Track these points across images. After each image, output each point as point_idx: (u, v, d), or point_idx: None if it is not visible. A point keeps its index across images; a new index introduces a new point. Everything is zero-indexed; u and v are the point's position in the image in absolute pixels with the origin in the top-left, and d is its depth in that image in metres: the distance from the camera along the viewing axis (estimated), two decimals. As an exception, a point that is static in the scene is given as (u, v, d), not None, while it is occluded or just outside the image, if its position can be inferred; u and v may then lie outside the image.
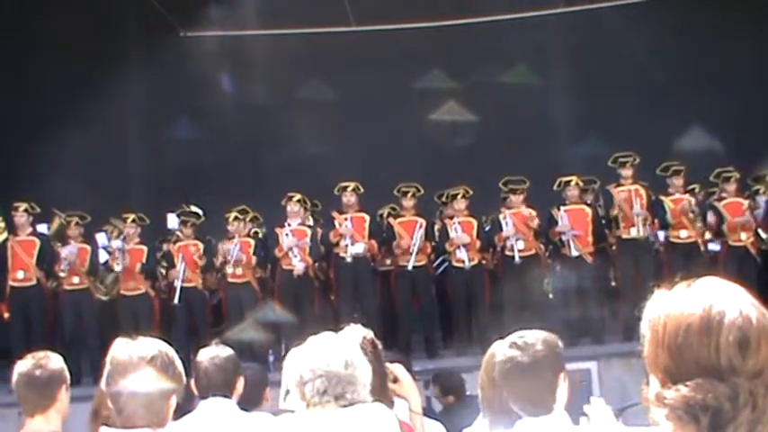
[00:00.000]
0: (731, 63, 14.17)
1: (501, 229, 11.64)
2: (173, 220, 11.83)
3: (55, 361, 3.78)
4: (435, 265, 12.06)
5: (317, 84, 15.02)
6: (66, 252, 11.58)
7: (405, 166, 13.44)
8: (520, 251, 11.48)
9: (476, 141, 15.26)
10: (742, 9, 14.00)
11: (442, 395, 7.23)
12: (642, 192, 11.63)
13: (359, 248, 11.52)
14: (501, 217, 11.64)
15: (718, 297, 1.50)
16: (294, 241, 11.46)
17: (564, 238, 11.52)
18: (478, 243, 11.67)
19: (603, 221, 11.94)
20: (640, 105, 14.62)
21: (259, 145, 14.68)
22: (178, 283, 11.51)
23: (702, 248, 11.68)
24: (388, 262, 12.07)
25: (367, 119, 14.74)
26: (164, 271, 12.12)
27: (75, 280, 11.64)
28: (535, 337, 3.22)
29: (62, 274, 11.50)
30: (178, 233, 12.03)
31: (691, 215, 11.43)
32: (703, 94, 14.00)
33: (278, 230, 11.67)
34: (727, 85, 14.03)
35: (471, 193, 11.84)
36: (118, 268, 11.61)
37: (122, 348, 2.81)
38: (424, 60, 15.40)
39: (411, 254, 11.51)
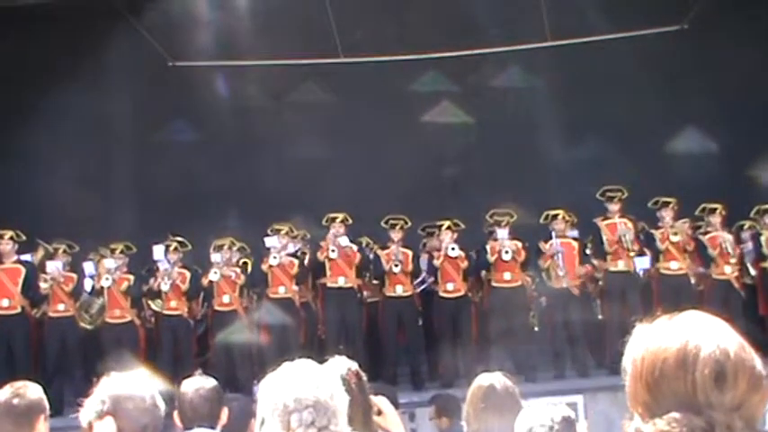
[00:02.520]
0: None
1: (486, 261, 11.66)
2: (159, 252, 11.81)
3: (33, 390, 3.71)
4: (417, 282, 12.04)
5: (307, 113, 15.05)
6: (51, 268, 11.57)
7: (390, 196, 13.45)
8: (506, 281, 11.53)
9: (462, 172, 15.32)
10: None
11: (437, 416, 7.25)
12: (630, 225, 11.68)
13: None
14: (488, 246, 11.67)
15: (696, 331, 1.51)
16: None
17: (556, 258, 11.51)
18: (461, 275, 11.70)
19: (590, 253, 11.98)
20: (632, 140, 14.73)
21: (247, 174, 14.68)
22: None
23: (693, 280, 11.73)
24: (365, 293, 12.11)
25: (354, 149, 14.79)
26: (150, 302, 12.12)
27: (61, 307, 11.61)
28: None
29: (44, 286, 11.45)
30: (161, 264, 11.99)
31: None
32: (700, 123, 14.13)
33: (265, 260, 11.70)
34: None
35: (461, 225, 11.86)
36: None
37: (108, 385, 2.82)
38: (412, 92, 15.49)
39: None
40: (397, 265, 11.64)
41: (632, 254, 11.55)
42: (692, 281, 11.74)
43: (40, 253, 12.23)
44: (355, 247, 11.79)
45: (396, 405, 3.87)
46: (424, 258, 12.21)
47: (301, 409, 2.69)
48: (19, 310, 11.51)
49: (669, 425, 1.45)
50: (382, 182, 14.30)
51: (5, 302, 11.48)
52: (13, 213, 12.18)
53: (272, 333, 11.53)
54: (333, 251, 11.59)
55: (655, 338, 1.53)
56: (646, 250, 11.80)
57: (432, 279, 11.92)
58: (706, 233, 11.84)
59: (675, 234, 11.49)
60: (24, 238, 11.80)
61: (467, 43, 14.58)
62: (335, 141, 14.79)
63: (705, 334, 1.50)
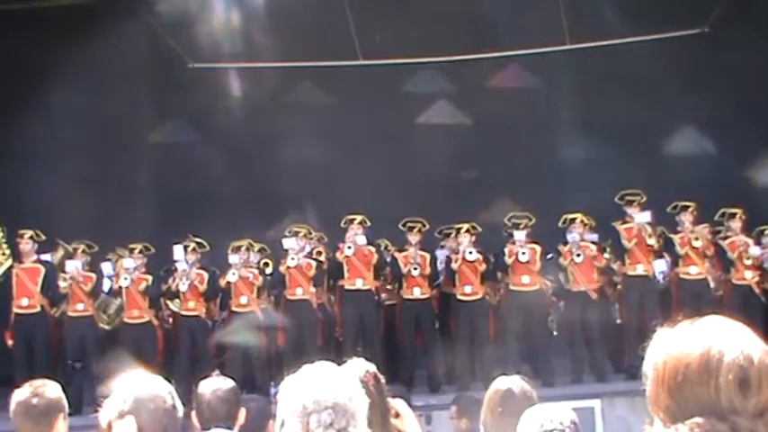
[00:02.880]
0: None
1: (505, 264, 11.65)
2: (178, 252, 11.85)
3: (53, 390, 3.74)
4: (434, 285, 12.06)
5: (324, 114, 15.07)
6: (70, 267, 11.63)
7: (406, 199, 13.45)
8: (524, 285, 11.51)
9: (481, 176, 15.32)
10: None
11: (458, 417, 7.23)
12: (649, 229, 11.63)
13: None
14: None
15: (719, 336, 1.50)
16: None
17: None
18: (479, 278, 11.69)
19: (610, 258, 11.95)
20: (651, 143, 14.68)
21: (266, 174, 14.71)
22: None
23: (712, 285, 11.68)
24: (384, 295, 12.12)
25: (371, 151, 14.81)
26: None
27: (80, 306, 11.67)
28: None
29: (63, 285, 11.51)
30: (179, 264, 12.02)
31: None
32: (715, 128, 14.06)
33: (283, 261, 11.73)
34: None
35: (478, 229, 11.85)
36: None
37: (125, 385, 2.83)
38: (432, 95, 15.51)
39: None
40: (415, 269, 11.64)
41: (651, 241, 11.43)
42: (712, 285, 11.68)
43: (60, 253, 12.29)
44: (373, 248, 11.80)
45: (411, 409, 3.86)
46: (442, 253, 12.13)
47: (320, 411, 2.69)
48: (38, 309, 11.58)
49: (692, 430, 1.44)
50: (400, 184, 14.31)
51: (25, 301, 11.55)
52: (33, 213, 12.24)
53: (287, 335, 11.55)
54: (349, 248, 11.60)
55: (677, 343, 1.52)
56: (664, 254, 11.76)
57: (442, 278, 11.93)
58: (725, 238, 11.78)
59: (696, 239, 11.43)
60: (44, 237, 11.87)
61: (486, 46, 14.57)
62: (352, 143, 14.79)
63: (728, 339, 1.49)
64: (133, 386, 2.90)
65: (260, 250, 12.28)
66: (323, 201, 13.34)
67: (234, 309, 11.76)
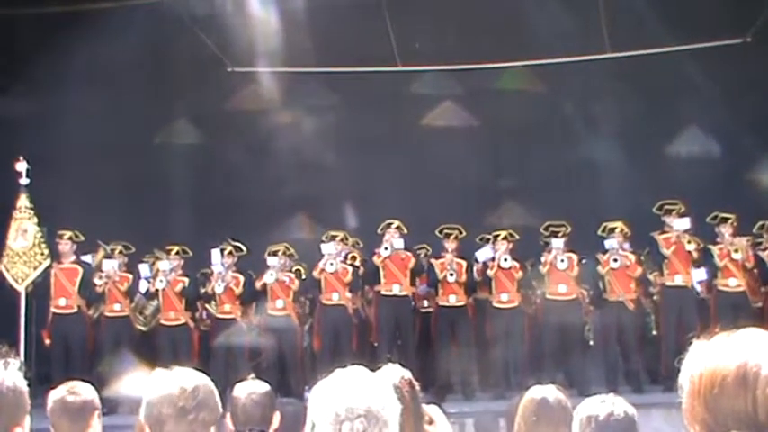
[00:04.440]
0: None
1: (538, 272, 11.64)
2: (216, 256, 11.94)
3: (87, 390, 3.91)
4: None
5: (363, 119, 15.08)
6: (107, 266, 11.73)
7: (445, 206, 13.43)
8: (560, 294, 11.46)
9: (517, 183, 15.28)
10: None
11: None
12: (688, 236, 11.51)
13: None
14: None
15: (756, 349, 1.48)
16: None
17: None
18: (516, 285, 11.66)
19: (647, 267, 11.86)
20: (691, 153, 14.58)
21: (304, 179, 14.75)
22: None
23: (752, 298, 11.53)
24: (426, 303, 12.12)
25: (408, 157, 14.82)
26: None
27: (117, 307, 11.77)
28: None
29: (99, 283, 11.61)
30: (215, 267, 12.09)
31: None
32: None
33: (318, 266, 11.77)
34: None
35: (515, 236, 11.82)
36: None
37: (163, 378, 2.84)
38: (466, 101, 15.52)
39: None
40: (452, 275, 11.63)
41: (691, 247, 11.31)
42: (751, 298, 11.54)
43: (100, 254, 12.39)
44: (410, 253, 11.81)
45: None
46: (485, 250, 12.06)
47: (353, 419, 2.67)
48: (75, 309, 11.70)
49: (728, 443, 1.42)
50: (437, 192, 14.31)
51: (63, 301, 11.67)
52: (71, 215, 12.35)
53: (324, 339, 11.59)
54: (386, 249, 11.60)
55: (713, 355, 1.50)
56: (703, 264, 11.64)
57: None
58: (765, 249, 11.64)
59: (737, 251, 11.30)
60: (83, 238, 11.98)
61: (525, 53, 14.54)
62: (388, 150, 14.81)
63: (766, 352, 1.48)
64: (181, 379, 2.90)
65: (289, 255, 12.30)
66: (366, 208, 13.32)
67: (270, 312, 11.81)
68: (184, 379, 2.83)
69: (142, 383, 2.92)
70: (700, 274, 11.63)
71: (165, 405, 2.79)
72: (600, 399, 3.51)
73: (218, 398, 2.87)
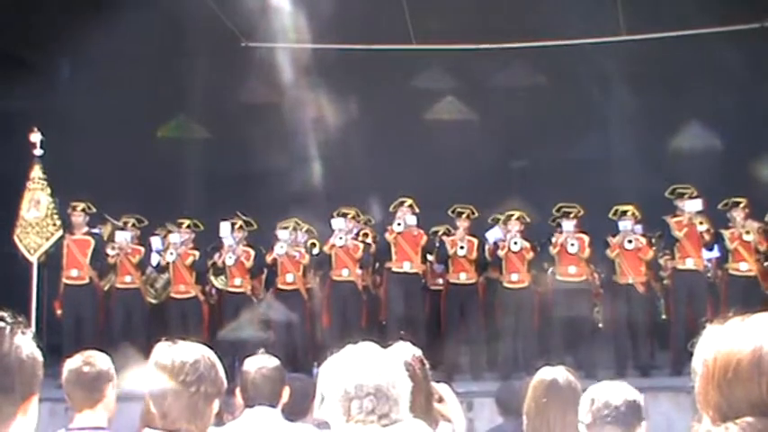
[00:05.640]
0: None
1: (549, 254, 11.64)
2: (225, 228, 11.94)
3: (102, 360, 3.92)
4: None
5: (379, 98, 15.04)
6: (119, 237, 11.77)
7: (457, 187, 13.40)
8: (570, 275, 11.45)
9: (530, 165, 15.25)
10: None
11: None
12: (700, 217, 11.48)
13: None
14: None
15: None
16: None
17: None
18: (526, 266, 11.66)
19: (658, 250, 11.85)
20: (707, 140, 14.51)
21: (317, 156, 14.72)
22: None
23: (763, 284, 11.49)
24: (440, 281, 12.12)
25: (420, 136, 14.79)
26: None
27: (128, 279, 11.81)
28: None
29: (111, 253, 11.65)
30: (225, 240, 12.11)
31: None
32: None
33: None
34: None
35: (526, 219, 11.80)
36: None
37: (164, 352, 2.85)
38: (485, 83, 15.46)
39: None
40: (462, 248, 11.60)
41: (702, 228, 11.26)
42: (762, 284, 11.51)
43: (108, 227, 12.42)
44: (422, 230, 11.81)
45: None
46: (495, 230, 12.06)
47: (362, 397, 2.68)
48: (87, 280, 11.75)
49: (743, 429, 1.41)
50: (450, 172, 14.28)
51: (75, 272, 11.72)
52: (85, 187, 12.37)
53: (333, 315, 11.62)
54: (399, 224, 11.60)
55: (727, 339, 1.49)
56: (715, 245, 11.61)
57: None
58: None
59: (748, 233, 11.26)
60: (95, 210, 12.02)
61: (540, 36, 14.47)
62: (402, 128, 14.79)
63: (781, 337, 1.47)
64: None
65: (307, 231, 12.32)
66: (382, 186, 13.28)
67: (280, 286, 11.84)
68: (185, 352, 2.83)
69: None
70: (711, 252, 11.61)
71: (165, 379, 2.80)
72: (606, 384, 3.51)
73: (221, 371, 2.87)
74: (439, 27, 14.54)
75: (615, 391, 3.44)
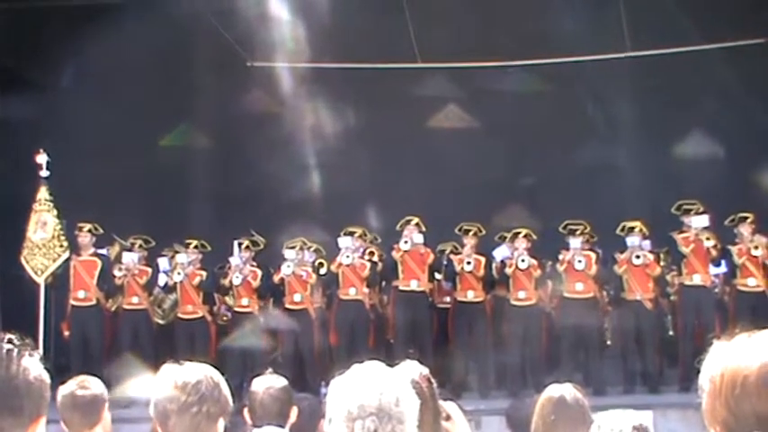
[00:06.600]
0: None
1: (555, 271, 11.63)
2: (236, 249, 12.00)
3: (96, 384, 3.98)
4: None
5: (381, 108, 15.06)
6: (126, 258, 11.79)
7: (464, 204, 13.40)
8: (578, 292, 11.43)
9: (537, 181, 15.24)
10: None
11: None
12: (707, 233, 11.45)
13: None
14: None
15: None
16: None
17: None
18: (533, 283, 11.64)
19: (665, 266, 11.82)
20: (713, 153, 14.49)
21: (324, 175, 14.73)
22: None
23: None
24: (447, 299, 12.11)
25: (424, 145, 14.81)
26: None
27: (135, 300, 11.82)
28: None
29: (118, 275, 11.66)
30: (233, 260, 12.12)
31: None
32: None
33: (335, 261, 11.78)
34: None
35: (533, 236, 11.79)
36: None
37: (169, 373, 2.86)
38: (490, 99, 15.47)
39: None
40: (469, 263, 11.59)
41: (709, 244, 11.23)
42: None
43: (116, 248, 12.45)
44: (429, 249, 11.80)
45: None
46: (502, 248, 12.06)
47: (365, 417, 2.67)
48: (94, 302, 11.75)
49: (752, 444, 1.42)
50: (454, 182, 14.29)
51: (82, 294, 11.73)
52: (92, 208, 12.39)
53: (340, 334, 11.60)
54: (405, 242, 11.59)
55: (735, 355, 1.49)
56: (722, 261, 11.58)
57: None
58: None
59: (756, 248, 11.23)
60: (102, 231, 12.03)
61: (546, 51, 14.50)
62: (405, 137, 14.81)
63: (789, 353, 1.47)
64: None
65: (315, 250, 12.32)
66: (386, 204, 13.29)
67: (287, 306, 11.84)
68: (188, 373, 2.85)
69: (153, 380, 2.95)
70: (719, 268, 11.58)
71: (168, 400, 2.82)
72: (613, 413, 3.51)
73: (226, 391, 2.88)
74: (443, 41, 14.55)
75: (621, 419, 3.43)
